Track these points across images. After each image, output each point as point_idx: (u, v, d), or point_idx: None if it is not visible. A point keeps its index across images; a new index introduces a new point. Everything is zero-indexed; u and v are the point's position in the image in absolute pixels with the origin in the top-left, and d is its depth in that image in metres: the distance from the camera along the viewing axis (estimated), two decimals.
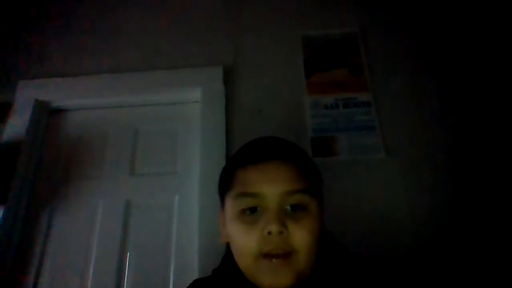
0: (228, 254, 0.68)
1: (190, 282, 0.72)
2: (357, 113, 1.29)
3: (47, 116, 1.44)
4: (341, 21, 1.46)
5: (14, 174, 1.26)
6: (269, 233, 0.56)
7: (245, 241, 0.58)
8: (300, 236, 0.56)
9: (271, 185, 0.58)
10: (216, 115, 1.31)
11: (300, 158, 0.64)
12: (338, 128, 1.27)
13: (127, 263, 1.20)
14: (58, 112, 1.45)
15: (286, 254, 0.56)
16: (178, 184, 1.30)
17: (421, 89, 1.32)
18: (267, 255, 0.56)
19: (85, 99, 1.43)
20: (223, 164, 1.19)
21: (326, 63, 1.38)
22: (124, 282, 1.18)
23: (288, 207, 0.58)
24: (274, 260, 0.55)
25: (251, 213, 0.59)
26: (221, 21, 1.51)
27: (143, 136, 1.39)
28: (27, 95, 1.40)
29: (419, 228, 1.11)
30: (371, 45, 1.41)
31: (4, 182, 1.25)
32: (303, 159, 0.64)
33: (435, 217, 1.12)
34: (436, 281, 1.05)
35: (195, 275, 1.10)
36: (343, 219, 1.11)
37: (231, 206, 0.62)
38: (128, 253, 1.21)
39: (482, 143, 1.22)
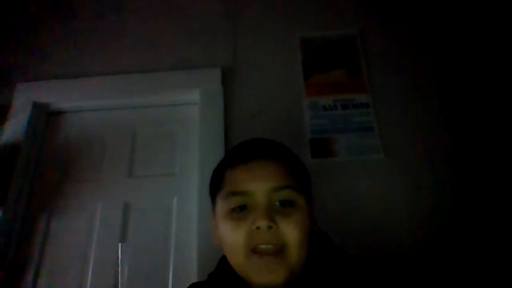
0: (224, 258, 0.68)
1: (189, 284, 0.72)
2: (356, 114, 1.29)
3: (46, 118, 1.43)
4: (340, 23, 1.46)
5: (12, 176, 1.26)
6: (258, 228, 0.56)
7: (233, 237, 0.58)
8: (290, 230, 0.57)
9: (258, 183, 0.59)
10: (215, 116, 1.31)
11: (286, 156, 0.65)
12: (337, 129, 1.27)
13: (120, 260, 1.20)
14: (56, 114, 1.45)
15: (278, 250, 0.56)
16: (176, 186, 1.29)
17: (420, 90, 1.32)
18: (257, 251, 0.56)
19: (83, 101, 1.42)
20: None
21: (325, 65, 1.39)
22: (123, 285, 1.17)
23: (277, 203, 0.59)
24: (265, 256, 0.56)
25: (240, 211, 0.60)
26: (220, 23, 1.51)
27: (142, 138, 1.39)
28: (25, 97, 1.40)
29: (417, 229, 1.11)
30: (370, 46, 1.41)
31: (2, 184, 1.24)
32: (289, 157, 0.66)
33: (434, 218, 1.12)
34: (434, 281, 1.05)
35: (193, 277, 1.10)
36: (342, 220, 1.11)
37: (221, 206, 0.63)
38: (120, 244, 1.20)
39: (481, 144, 1.22)
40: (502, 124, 1.24)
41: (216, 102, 1.33)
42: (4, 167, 1.27)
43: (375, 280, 0.62)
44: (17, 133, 1.32)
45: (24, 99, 1.39)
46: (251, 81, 1.39)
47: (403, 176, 1.19)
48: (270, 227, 0.56)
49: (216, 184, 0.67)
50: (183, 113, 1.41)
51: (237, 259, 0.59)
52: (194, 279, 1.08)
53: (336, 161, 1.22)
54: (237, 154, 0.66)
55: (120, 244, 1.20)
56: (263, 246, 0.56)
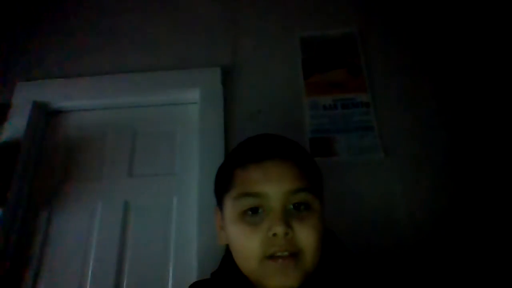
0: (227, 256, 0.67)
1: (189, 283, 0.72)
2: (356, 113, 1.29)
3: (46, 117, 1.44)
4: (340, 22, 1.46)
5: (13, 175, 1.26)
6: (274, 235, 0.54)
7: (247, 244, 0.56)
8: (306, 236, 0.55)
9: (274, 185, 0.56)
10: (215, 116, 1.31)
11: (301, 156, 0.62)
12: (337, 129, 1.27)
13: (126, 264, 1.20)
14: (56, 113, 1.45)
15: (294, 255, 0.54)
16: (176, 185, 1.29)
17: (420, 90, 1.32)
18: (272, 257, 0.54)
19: (83, 100, 1.42)
20: None
21: (325, 64, 1.39)
22: (123, 284, 1.17)
23: (291, 206, 0.57)
24: (280, 260, 0.54)
25: (253, 214, 0.57)
26: (220, 22, 1.51)
27: (142, 137, 1.39)
28: (25, 96, 1.40)
29: (417, 229, 1.11)
30: (370, 45, 1.41)
31: (3, 183, 1.24)
32: (304, 157, 0.63)
33: (434, 218, 1.12)
34: (435, 281, 1.05)
35: (193, 276, 1.10)
36: (342, 220, 1.11)
37: (231, 207, 0.59)
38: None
39: (480, 143, 1.22)
40: (501, 124, 1.24)
41: (216, 102, 1.33)
42: (4, 166, 1.27)
43: (383, 280, 0.63)
44: (18, 132, 1.32)
45: (24, 98, 1.39)
46: (251, 80, 1.39)
47: (402, 176, 1.19)
48: (286, 234, 0.54)
49: (224, 183, 0.62)
50: (183, 112, 1.41)
51: (250, 265, 0.56)
52: (194, 279, 1.08)
53: (336, 160, 1.22)
54: (248, 152, 0.61)
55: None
56: (279, 254, 0.54)
